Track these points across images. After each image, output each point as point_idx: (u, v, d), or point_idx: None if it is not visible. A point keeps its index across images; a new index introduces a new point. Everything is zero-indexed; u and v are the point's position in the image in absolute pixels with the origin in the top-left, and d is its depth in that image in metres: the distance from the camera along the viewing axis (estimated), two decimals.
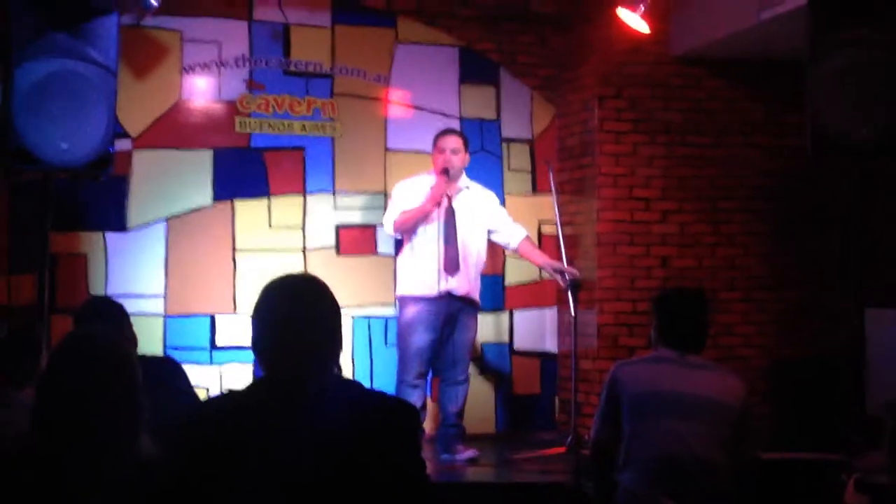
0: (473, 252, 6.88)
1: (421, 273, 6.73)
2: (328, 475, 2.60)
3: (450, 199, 6.83)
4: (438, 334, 6.75)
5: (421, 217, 6.74)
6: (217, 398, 3.07)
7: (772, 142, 7.83)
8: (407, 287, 6.84)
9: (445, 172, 6.75)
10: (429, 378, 6.92)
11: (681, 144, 7.77)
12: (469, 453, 6.70)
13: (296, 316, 2.75)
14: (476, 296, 6.92)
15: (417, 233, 6.80)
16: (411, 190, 6.88)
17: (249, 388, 2.84)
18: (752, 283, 7.78)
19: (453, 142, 6.87)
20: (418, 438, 2.82)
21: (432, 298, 6.70)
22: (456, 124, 7.90)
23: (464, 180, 6.95)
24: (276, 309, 2.78)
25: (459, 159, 6.83)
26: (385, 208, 7.21)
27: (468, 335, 6.89)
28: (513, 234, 7.13)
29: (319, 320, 2.77)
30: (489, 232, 7.05)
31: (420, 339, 6.71)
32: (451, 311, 6.75)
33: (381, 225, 7.17)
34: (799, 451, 6.41)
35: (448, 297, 6.72)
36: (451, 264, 6.73)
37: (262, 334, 2.78)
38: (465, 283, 6.80)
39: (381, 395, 2.86)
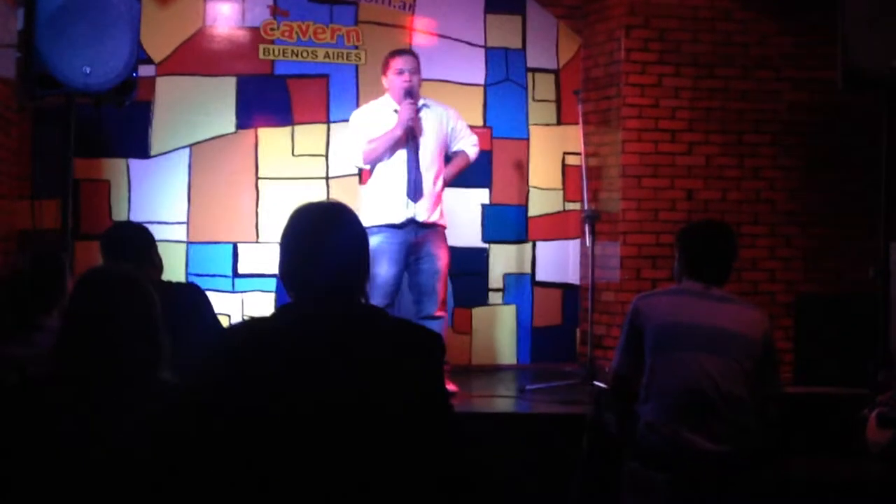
0: (437, 174, 6.59)
1: (387, 201, 6.45)
2: (356, 402, 2.60)
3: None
4: (402, 266, 6.50)
5: (390, 143, 6.43)
6: (243, 324, 3.04)
7: (801, 75, 7.74)
8: (372, 217, 6.38)
9: (410, 94, 6.45)
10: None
11: (708, 77, 7.69)
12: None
13: (323, 243, 2.73)
14: (442, 220, 6.61)
15: (383, 160, 6.52)
16: (371, 117, 6.58)
17: (276, 314, 2.83)
18: (778, 217, 7.74)
19: (413, 62, 6.54)
20: (443, 367, 2.81)
21: (397, 227, 6.43)
22: (481, 53, 7.85)
23: (420, 99, 6.62)
24: (304, 235, 2.75)
25: (418, 79, 6.53)
26: None
27: (436, 264, 6.54)
28: (458, 145, 6.74)
29: (347, 247, 2.75)
30: (449, 149, 6.72)
31: (383, 271, 6.37)
32: (414, 240, 6.48)
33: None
34: (823, 386, 6.42)
35: (412, 223, 6.46)
36: (416, 190, 6.46)
37: (290, 261, 2.76)
38: (430, 208, 6.51)
39: (407, 323, 2.85)
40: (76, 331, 2.88)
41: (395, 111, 6.50)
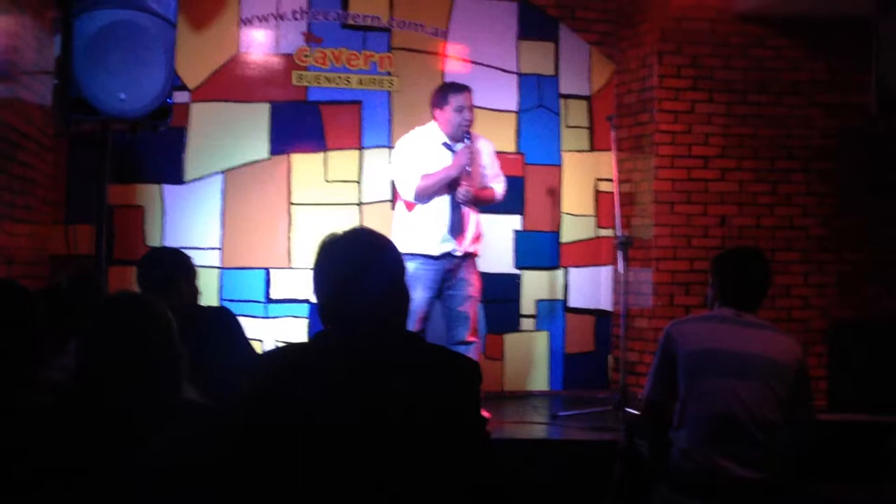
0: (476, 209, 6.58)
1: (427, 233, 6.44)
2: (393, 427, 2.59)
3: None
4: (435, 292, 6.47)
5: (444, 184, 6.40)
6: (280, 350, 3.03)
7: (835, 101, 7.73)
8: (410, 245, 6.35)
9: (468, 135, 6.43)
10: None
11: (741, 103, 7.68)
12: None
13: (358, 269, 2.71)
14: (475, 248, 6.58)
15: (433, 199, 6.46)
16: (418, 147, 6.52)
17: (313, 340, 2.81)
18: (812, 244, 7.71)
19: (471, 98, 6.48)
20: (479, 395, 2.79)
21: (432, 257, 6.43)
22: (514, 80, 7.87)
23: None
24: (339, 263, 2.74)
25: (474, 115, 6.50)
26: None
27: (469, 290, 6.52)
28: (490, 183, 6.66)
29: (382, 273, 2.74)
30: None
31: (416, 296, 6.27)
32: (448, 268, 6.46)
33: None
34: (857, 413, 6.36)
35: (447, 255, 6.45)
36: (456, 228, 6.44)
37: (324, 293, 2.74)
38: (466, 241, 6.49)
39: (444, 350, 2.83)
40: (88, 356, 2.91)
41: (444, 144, 6.48)
